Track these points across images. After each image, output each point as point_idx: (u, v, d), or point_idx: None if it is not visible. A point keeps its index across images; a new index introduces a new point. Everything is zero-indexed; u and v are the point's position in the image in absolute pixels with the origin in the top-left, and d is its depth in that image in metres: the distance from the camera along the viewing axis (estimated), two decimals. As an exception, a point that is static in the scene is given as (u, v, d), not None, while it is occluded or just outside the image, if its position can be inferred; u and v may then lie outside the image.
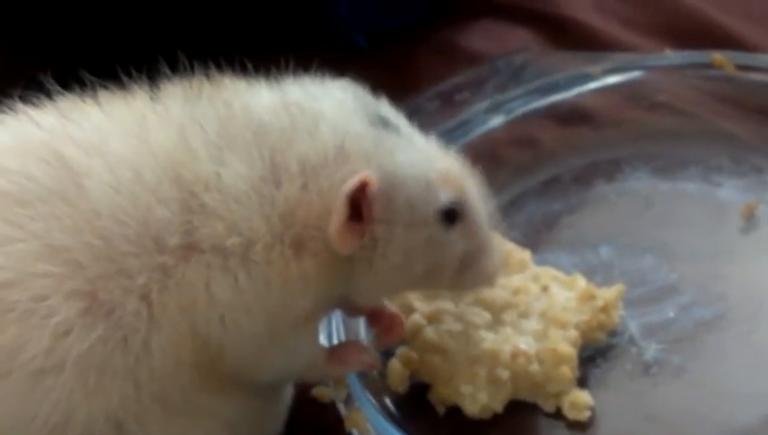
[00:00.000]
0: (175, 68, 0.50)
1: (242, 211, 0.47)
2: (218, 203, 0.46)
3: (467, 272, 0.53)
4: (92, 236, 0.45)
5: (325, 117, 0.49)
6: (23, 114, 0.49)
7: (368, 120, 0.49)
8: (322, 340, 0.57)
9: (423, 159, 0.50)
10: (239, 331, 0.48)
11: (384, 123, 0.50)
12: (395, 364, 0.58)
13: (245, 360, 0.49)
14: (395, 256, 0.50)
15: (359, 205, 0.48)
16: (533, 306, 0.59)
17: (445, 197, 0.50)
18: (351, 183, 0.47)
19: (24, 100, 0.49)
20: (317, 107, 0.49)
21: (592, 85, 0.74)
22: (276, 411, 0.55)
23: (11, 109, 0.49)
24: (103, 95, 0.49)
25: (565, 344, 0.57)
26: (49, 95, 0.49)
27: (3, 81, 0.52)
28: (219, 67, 0.50)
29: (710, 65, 0.73)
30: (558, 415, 0.57)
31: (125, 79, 0.50)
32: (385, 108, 0.52)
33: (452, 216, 0.51)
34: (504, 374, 0.56)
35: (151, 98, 0.49)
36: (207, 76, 0.50)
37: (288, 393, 0.56)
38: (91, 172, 0.46)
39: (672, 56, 0.74)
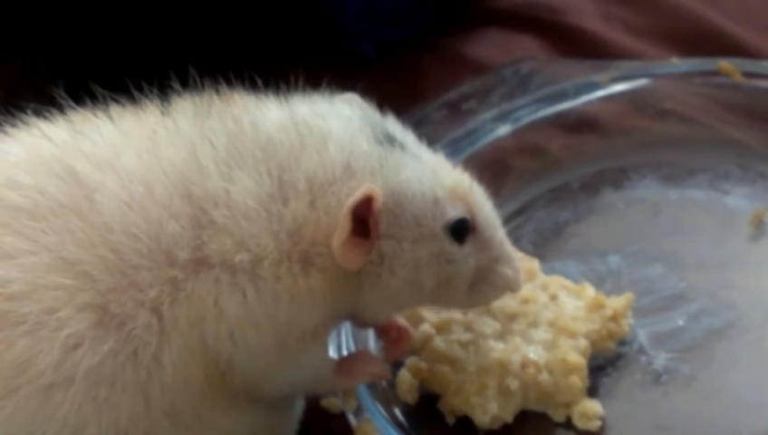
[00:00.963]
0: (185, 82, 0.50)
1: (250, 228, 0.47)
2: (227, 219, 0.47)
3: (483, 285, 0.53)
4: (105, 250, 0.45)
5: (332, 135, 0.49)
6: (35, 128, 0.49)
7: (374, 137, 0.50)
8: (332, 351, 0.57)
9: (430, 174, 0.50)
10: (248, 346, 0.48)
11: (390, 140, 0.50)
12: (404, 375, 0.58)
13: (255, 374, 0.49)
14: (402, 270, 0.50)
15: (366, 221, 0.48)
16: (542, 316, 0.59)
17: (453, 212, 0.50)
18: (355, 197, 0.47)
19: (35, 114, 0.49)
20: (324, 125, 0.49)
21: (599, 93, 0.74)
22: (287, 425, 0.56)
23: (23, 122, 0.49)
24: (115, 110, 0.50)
25: (575, 354, 0.57)
26: (61, 109, 0.49)
27: (13, 95, 0.52)
28: (229, 81, 0.50)
29: (717, 73, 0.73)
30: (568, 425, 0.57)
31: (136, 93, 0.50)
32: (391, 124, 0.52)
33: (462, 230, 0.51)
34: (514, 384, 0.56)
35: (162, 113, 0.49)
36: (217, 91, 0.50)
37: (299, 407, 0.56)
38: (103, 187, 0.46)
39: (679, 64, 0.74)
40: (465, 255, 0.51)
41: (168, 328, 0.46)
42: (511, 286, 0.54)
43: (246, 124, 0.49)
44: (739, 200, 0.68)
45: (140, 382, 0.46)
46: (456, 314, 0.59)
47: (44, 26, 0.78)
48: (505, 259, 0.53)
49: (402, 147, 0.50)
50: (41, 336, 0.45)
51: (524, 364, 0.57)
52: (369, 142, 0.49)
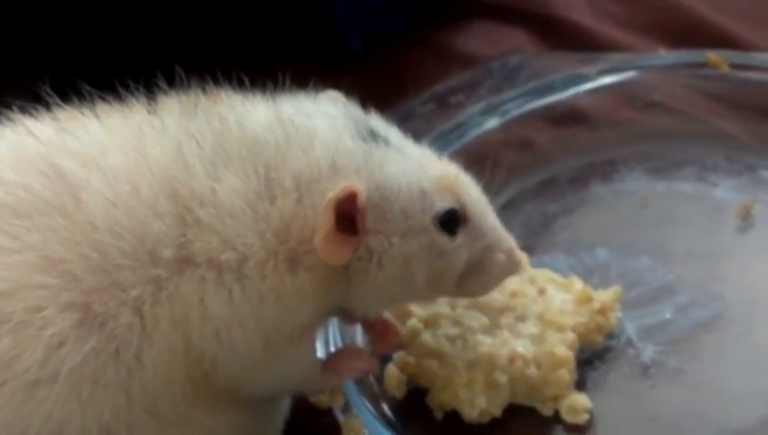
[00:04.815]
0: (172, 81, 0.50)
1: (236, 226, 0.47)
2: (213, 218, 0.47)
3: (479, 275, 0.52)
4: (88, 249, 0.45)
5: (318, 134, 0.49)
6: (20, 125, 0.49)
7: (358, 134, 0.50)
8: (319, 346, 0.57)
9: (415, 167, 0.50)
10: (233, 345, 0.48)
11: (374, 136, 0.50)
12: (392, 370, 0.58)
13: (240, 374, 0.49)
14: (391, 265, 0.50)
15: (352, 218, 0.48)
16: (530, 309, 0.59)
17: (441, 203, 0.50)
18: (335, 192, 0.47)
19: (21, 110, 0.49)
20: (310, 124, 0.49)
21: (587, 86, 0.74)
22: (272, 426, 0.55)
23: (9, 119, 0.49)
24: (101, 108, 0.50)
25: (562, 347, 0.57)
26: (46, 106, 0.49)
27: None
28: (216, 80, 0.50)
29: (704, 64, 0.73)
30: (556, 418, 0.57)
31: (122, 92, 0.50)
32: (375, 120, 0.52)
33: (452, 221, 0.51)
34: (502, 378, 0.56)
35: (148, 111, 0.49)
36: (203, 90, 0.50)
37: (284, 407, 0.56)
38: (88, 185, 0.46)
39: (666, 56, 0.75)
40: (457, 246, 0.51)
41: (150, 328, 0.46)
42: (508, 271, 0.53)
43: (233, 123, 0.49)
44: (727, 192, 0.68)
45: (122, 381, 0.46)
46: (444, 309, 0.59)
47: (29, 23, 0.78)
48: (498, 245, 0.53)
49: (386, 142, 0.50)
50: (25, 335, 0.45)
51: (512, 358, 0.57)
52: (353, 139, 0.49)
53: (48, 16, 0.78)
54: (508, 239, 0.54)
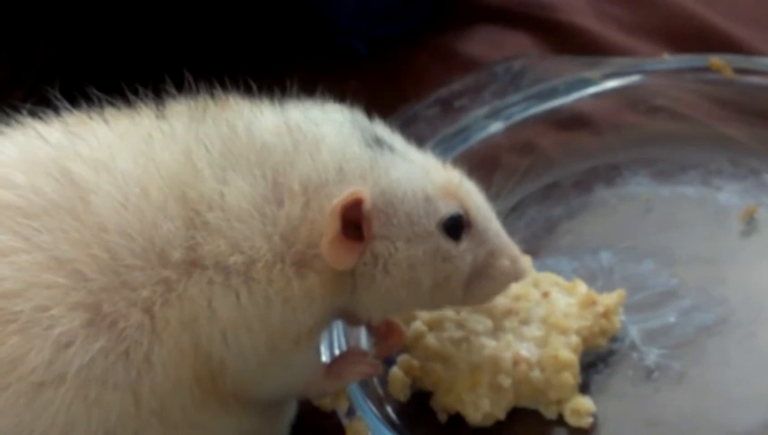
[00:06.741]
0: (180, 85, 0.50)
1: (244, 230, 0.47)
2: (221, 221, 0.47)
3: (483, 280, 0.53)
4: (98, 249, 0.46)
5: (326, 140, 0.49)
6: (30, 129, 0.49)
7: (363, 140, 0.50)
8: (324, 348, 0.57)
9: (420, 173, 0.51)
10: (240, 348, 0.48)
11: (379, 143, 0.51)
12: (396, 372, 0.58)
13: (246, 376, 0.49)
14: (397, 271, 0.50)
15: (358, 223, 0.48)
16: (534, 313, 0.59)
17: (445, 208, 0.51)
18: (341, 198, 0.47)
19: (31, 114, 0.49)
20: (318, 131, 0.50)
21: (591, 90, 0.74)
22: (278, 429, 0.56)
23: (18, 123, 0.50)
24: (110, 112, 0.50)
25: (566, 351, 0.57)
26: (56, 110, 0.50)
27: (3, 95, 0.52)
28: (223, 84, 0.51)
29: (708, 69, 0.73)
30: (560, 421, 0.57)
31: (131, 96, 0.50)
32: (380, 127, 0.52)
33: (457, 226, 0.51)
34: (506, 381, 0.57)
35: (157, 116, 0.50)
36: (212, 95, 0.50)
37: (291, 411, 0.56)
38: (98, 189, 0.46)
39: (670, 60, 0.75)
40: (462, 251, 0.52)
41: (159, 328, 0.46)
42: (512, 277, 0.54)
43: (241, 129, 0.49)
44: (730, 196, 0.68)
45: (131, 382, 0.46)
46: (449, 312, 0.59)
47: (34, 26, 0.78)
48: (502, 251, 0.53)
49: (391, 149, 0.51)
50: (33, 334, 0.45)
51: (516, 361, 0.57)
52: (359, 146, 0.50)
53: (52, 18, 0.78)
54: (511, 245, 0.54)
